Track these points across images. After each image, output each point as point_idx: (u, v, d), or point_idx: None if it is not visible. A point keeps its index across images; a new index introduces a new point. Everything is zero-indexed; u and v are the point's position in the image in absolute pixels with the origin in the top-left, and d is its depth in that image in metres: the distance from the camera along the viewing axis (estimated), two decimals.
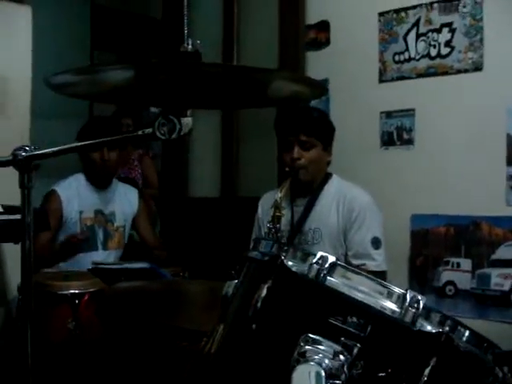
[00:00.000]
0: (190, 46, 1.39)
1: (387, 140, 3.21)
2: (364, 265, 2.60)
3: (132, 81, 1.50)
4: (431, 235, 3.04)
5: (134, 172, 4.33)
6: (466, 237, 2.94)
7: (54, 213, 3.09)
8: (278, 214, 2.51)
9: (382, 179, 3.16)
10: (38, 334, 2.27)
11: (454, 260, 2.97)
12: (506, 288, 2.80)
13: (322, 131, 2.73)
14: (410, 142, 3.13)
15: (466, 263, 2.94)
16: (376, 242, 2.64)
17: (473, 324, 1.13)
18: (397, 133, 3.17)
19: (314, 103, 3.38)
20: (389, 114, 3.19)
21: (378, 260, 2.62)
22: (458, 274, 2.95)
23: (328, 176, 2.78)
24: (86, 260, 2.95)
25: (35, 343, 2.24)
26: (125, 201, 3.34)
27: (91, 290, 2.39)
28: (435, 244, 3.03)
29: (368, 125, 3.26)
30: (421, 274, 3.07)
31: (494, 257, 2.86)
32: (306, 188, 2.73)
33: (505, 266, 2.82)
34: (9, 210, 2.30)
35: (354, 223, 2.65)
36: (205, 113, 3.98)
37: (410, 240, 3.11)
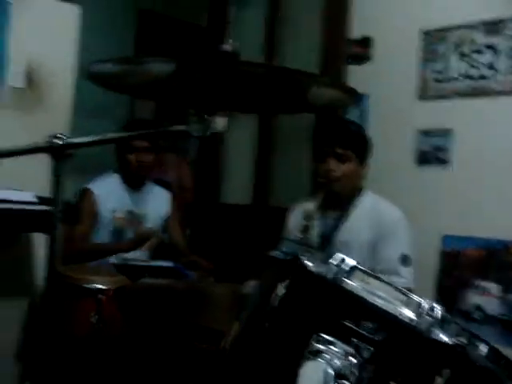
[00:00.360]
0: (228, 47, 1.41)
1: (423, 158, 3.19)
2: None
3: (172, 75, 1.51)
4: (462, 257, 3.01)
5: (169, 175, 4.37)
6: (496, 261, 2.90)
7: (89, 210, 3.14)
8: (309, 223, 2.51)
9: (416, 197, 3.13)
10: (62, 326, 2.33)
11: (483, 284, 2.93)
12: None
13: (359, 145, 2.73)
14: (445, 161, 3.11)
15: (495, 288, 2.89)
16: (405, 259, 2.61)
17: None
18: (433, 152, 3.15)
19: (352, 117, 3.38)
20: (426, 133, 3.17)
21: (406, 277, 2.59)
22: (487, 298, 2.91)
23: (361, 190, 2.77)
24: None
25: (59, 335, 2.28)
26: (157, 203, 3.37)
27: (116, 285, 2.41)
28: (465, 266, 2.99)
29: (405, 142, 3.24)
30: (448, 296, 3.03)
31: None
32: (339, 201, 2.73)
33: None
34: (43, 200, 2.34)
35: (384, 239, 2.63)
36: (242, 120, 4.00)
37: (440, 260, 3.08)
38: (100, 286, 2.40)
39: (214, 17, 4.17)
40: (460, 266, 3.02)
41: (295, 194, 3.47)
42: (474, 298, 2.96)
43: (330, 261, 1.03)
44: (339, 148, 2.66)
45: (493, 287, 2.90)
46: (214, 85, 1.48)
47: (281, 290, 1.03)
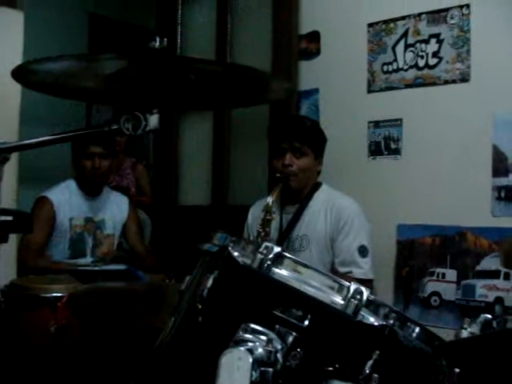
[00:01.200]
0: (156, 44, 1.41)
1: (375, 149, 3.21)
2: (350, 272, 2.61)
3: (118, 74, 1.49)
4: (417, 245, 3.03)
5: (125, 180, 4.35)
6: (451, 247, 2.93)
7: (46, 219, 3.10)
8: (268, 217, 2.53)
9: (369, 189, 3.15)
10: (21, 338, 2.29)
11: (440, 270, 2.95)
12: (491, 299, 2.78)
13: (315, 140, 2.76)
14: (397, 151, 3.13)
15: (451, 274, 2.92)
16: (363, 251, 2.64)
17: None
18: (384, 142, 3.17)
19: (303, 112, 3.40)
20: (377, 124, 3.19)
21: (364, 268, 2.62)
22: (443, 284, 2.94)
23: (318, 185, 2.80)
24: None
25: (18, 346, 2.24)
26: (115, 209, 3.34)
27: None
28: (421, 254, 3.02)
29: (356, 134, 3.25)
30: (406, 285, 3.05)
31: (478, 268, 2.84)
32: (296, 195, 2.75)
33: (489, 278, 2.80)
34: None
35: (342, 231, 2.66)
36: (196, 121, 4.00)
37: (396, 250, 3.10)
38: (57, 294, 2.37)
39: (162, 19, 4.14)
40: (416, 254, 3.04)
41: (253, 191, 3.47)
42: (431, 285, 2.98)
43: (258, 250, 1.03)
44: (296, 143, 2.69)
45: (449, 273, 2.93)
46: (159, 83, 1.48)
47: (209, 281, 1.03)
